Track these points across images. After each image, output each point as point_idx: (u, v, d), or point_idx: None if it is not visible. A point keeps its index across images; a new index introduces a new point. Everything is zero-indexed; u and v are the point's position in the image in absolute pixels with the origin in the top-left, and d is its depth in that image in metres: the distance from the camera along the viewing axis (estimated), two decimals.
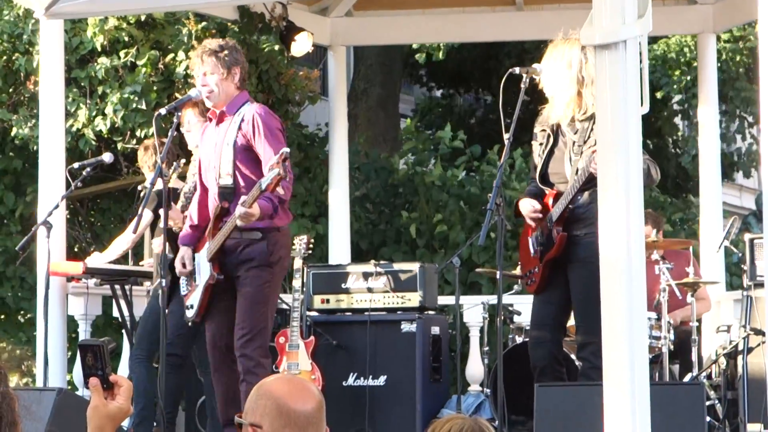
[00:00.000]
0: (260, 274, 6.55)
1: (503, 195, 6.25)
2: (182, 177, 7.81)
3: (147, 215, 7.49)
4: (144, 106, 10.10)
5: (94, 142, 10.26)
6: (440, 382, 8.28)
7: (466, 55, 17.83)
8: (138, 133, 10.17)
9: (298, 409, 3.09)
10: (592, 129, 6.29)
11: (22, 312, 11.84)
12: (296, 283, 7.85)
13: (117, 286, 8.22)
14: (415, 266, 8.24)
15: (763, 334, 7.29)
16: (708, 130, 10.02)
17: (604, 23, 4.94)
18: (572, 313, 6.68)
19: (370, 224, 12.64)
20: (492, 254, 11.64)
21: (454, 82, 19.25)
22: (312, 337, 7.96)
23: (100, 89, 10.28)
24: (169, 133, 7.04)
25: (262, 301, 6.57)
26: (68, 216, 9.49)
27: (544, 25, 9.63)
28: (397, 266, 8.35)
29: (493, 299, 8.58)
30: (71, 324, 8.71)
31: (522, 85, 6.40)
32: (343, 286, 8.29)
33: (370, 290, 8.21)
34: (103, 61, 10.23)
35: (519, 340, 8.20)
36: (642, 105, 4.98)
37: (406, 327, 8.03)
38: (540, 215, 6.53)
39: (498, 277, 6.29)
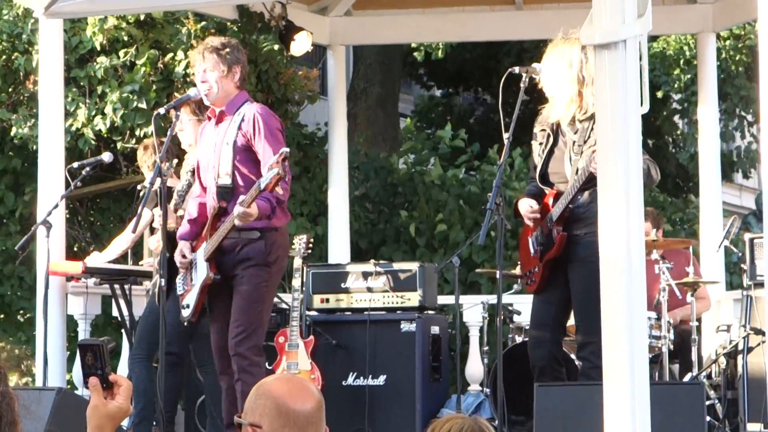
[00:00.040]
0: (257, 273, 6.55)
1: (503, 194, 6.25)
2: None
3: (146, 215, 7.49)
4: (143, 105, 10.10)
5: (93, 142, 10.26)
6: (440, 381, 8.27)
7: (467, 55, 17.84)
8: (137, 133, 10.16)
9: (297, 409, 3.09)
10: (592, 129, 6.29)
11: (21, 311, 11.83)
12: (296, 282, 7.85)
13: (116, 286, 8.22)
14: (414, 266, 8.24)
15: (763, 333, 7.29)
16: (708, 130, 10.03)
17: (604, 23, 4.93)
18: (572, 313, 6.67)
19: (369, 224, 12.64)
20: (491, 254, 11.64)
21: (453, 82, 19.26)
22: (311, 337, 7.95)
23: (99, 89, 10.28)
24: (168, 133, 7.05)
25: (259, 300, 6.57)
26: (68, 215, 9.49)
27: (543, 25, 9.63)
28: (396, 266, 8.34)
29: (492, 299, 8.58)
30: (71, 323, 8.71)
31: (521, 85, 6.40)
32: (342, 285, 8.29)
33: (369, 290, 8.21)
34: (103, 60, 10.23)
35: (519, 339, 8.20)
36: (642, 105, 4.97)
37: (405, 326, 8.03)
38: (538, 215, 6.52)
39: (498, 276, 6.29)
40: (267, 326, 6.73)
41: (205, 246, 6.67)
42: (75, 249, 11.09)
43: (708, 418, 6.82)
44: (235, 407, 6.57)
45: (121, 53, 10.24)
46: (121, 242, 8.14)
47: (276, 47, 10.48)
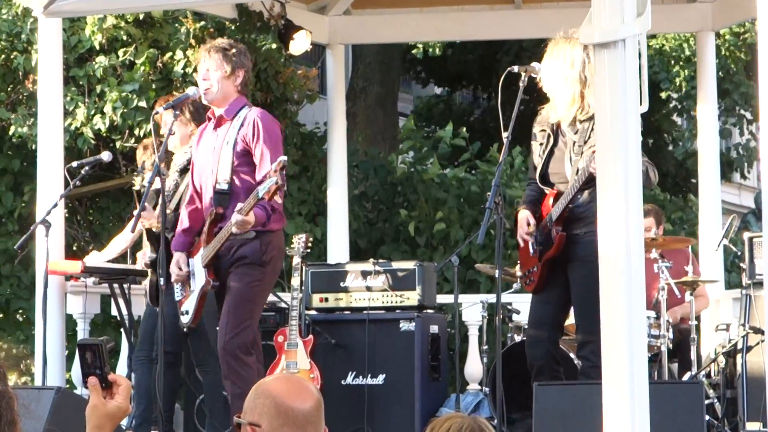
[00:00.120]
0: (250, 272, 6.55)
1: (502, 194, 6.25)
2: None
3: (153, 213, 7.49)
4: (143, 105, 10.10)
5: (92, 141, 10.26)
6: (439, 380, 8.27)
7: (469, 56, 17.85)
8: (136, 132, 10.16)
9: (296, 408, 3.09)
10: (592, 129, 6.28)
11: (20, 311, 11.83)
12: (295, 281, 7.85)
13: (115, 285, 8.21)
14: (413, 265, 8.24)
15: (762, 332, 7.28)
16: (707, 129, 10.03)
17: (603, 22, 4.93)
18: (572, 312, 6.68)
19: (368, 223, 12.64)
20: (491, 253, 11.64)
21: (452, 81, 19.27)
22: (311, 336, 7.95)
23: (98, 88, 10.29)
24: (168, 132, 7.05)
25: (250, 299, 6.56)
26: (67, 215, 9.50)
27: (542, 24, 9.63)
28: (395, 265, 8.34)
29: (491, 298, 8.58)
30: (70, 323, 8.71)
31: (520, 84, 6.40)
32: (341, 284, 8.28)
33: (368, 289, 8.20)
34: (102, 59, 10.24)
35: (518, 338, 8.20)
36: (641, 104, 4.97)
37: (404, 326, 8.03)
38: (529, 238, 6.53)
39: (497, 275, 6.29)
40: (257, 326, 6.72)
41: (202, 252, 6.67)
42: (74, 248, 11.09)
43: (707, 417, 6.82)
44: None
45: (120, 52, 10.25)
46: (120, 241, 8.15)
47: (275, 46, 10.48)
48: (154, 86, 10.17)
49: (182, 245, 6.80)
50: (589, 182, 6.15)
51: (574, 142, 6.45)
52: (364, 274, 8.24)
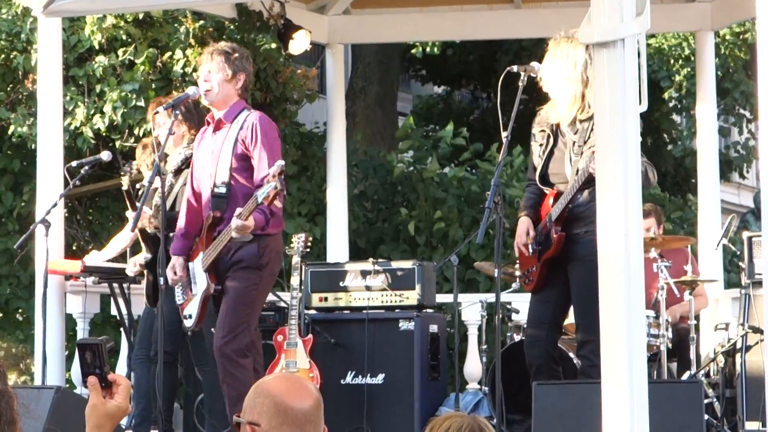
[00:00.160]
0: (248, 276, 6.56)
1: (501, 193, 6.25)
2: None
3: (146, 213, 7.49)
4: (142, 104, 10.10)
5: (92, 141, 10.26)
6: (438, 380, 8.27)
7: (467, 55, 17.85)
8: (136, 132, 10.16)
9: (295, 407, 3.09)
10: (592, 129, 6.28)
11: (19, 310, 11.84)
12: (294, 281, 7.85)
13: (115, 285, 8.21)
14: (413, 264, 8.24)
15: (761, 332, 7.28)
16: (706, 128, 10.03)
17: (603, 21, 4.94)
18: (571, 312, 6.68)
19: (367, 222, 12.64)
20: (490, 252, 11.64)
21: (452, 80, 19.27)
22: (310, 336, 7.95)
23: (98, 87, 10.29)
24: (167, 132, 7.05)
25: (247, 302, 6.57)
26: (66, 214, 9.50)
27: (542, 23, 9.63)
28: (395, 264, 8.34)
29: (491, 297, 8.58)
30: (69, 322, 8.71)
31: (520, 83, 6.40)
32: (341, 284, 8.28)
33: (368, 288, 8.20)
34: (101, 59, 10.24)
35: (517, 338, 8.20)
36: (640, 103, 4.97)
37: (404, 325, 8.03)
38: (525, 251, 6.53)
39: (496, 274, 6.29)
40: (253, 329, 6.72)
41: (202, 256, 6.67)
42: (74, 248, 11.09)
43: (706, 417, 6.82)
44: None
45: (120, 52, 10.25)
46: (120, 241, 8.14)
47: (274, 46, 10.48)
48: (153, 86, 10.17)
49: (181, 249, 6.80)
50: (589, 182, 6.15)
51: (574, 143, 6.45)
52: (364, 274, 8.24)
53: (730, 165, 18.31)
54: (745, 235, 7.70)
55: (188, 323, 6.80)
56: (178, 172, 7.33)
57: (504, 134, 6.28)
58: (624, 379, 4.82)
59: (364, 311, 8.12)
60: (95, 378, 2.99)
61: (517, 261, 7.15)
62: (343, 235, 10.30)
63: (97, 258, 8.16)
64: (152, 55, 10.20)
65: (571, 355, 7.42)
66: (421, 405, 7.98)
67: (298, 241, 7.98)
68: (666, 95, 17.11)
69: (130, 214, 7.47)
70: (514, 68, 6.45)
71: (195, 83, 7.07)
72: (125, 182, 7.37)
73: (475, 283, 11.90)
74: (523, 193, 7.22)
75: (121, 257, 8.37)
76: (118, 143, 10.36)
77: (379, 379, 8.03)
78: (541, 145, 6.60)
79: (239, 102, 6.75)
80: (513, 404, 7.31)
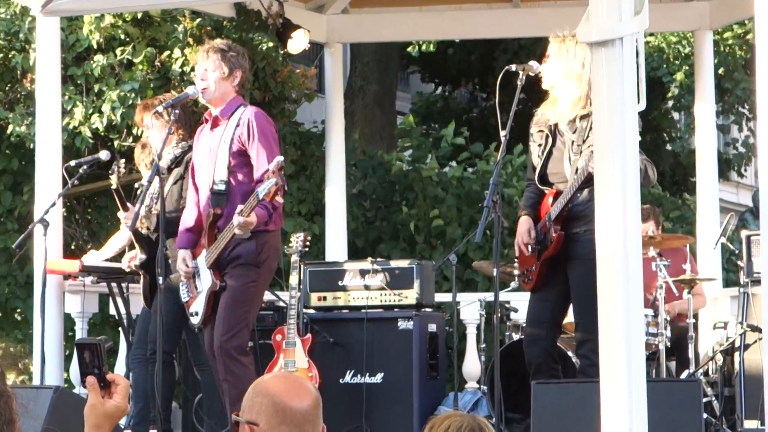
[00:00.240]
0: (246, 273, 6.56)
1: (500, 192, 6.25)
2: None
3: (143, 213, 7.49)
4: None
5: (90, 140, 10.25)
6: (437, 379, 8.27)
7: (467, 55, 17.85)
8: (134, 131, 10.15)
9: (294, 407, 3.09)
10: (591, 128, 6.27)
11: (18, 310, 11.83)
12: (293, 280, 7.85)
13: (113, 284, 8.21)
14: (411, 263, 8.24)
15: (759, 330, 7.28)
16: (704, 127, 10.03)
17: (601, 20, 4.94)
18: (570, 311, 6.68)
19: (366, 222, 12.63)
20: (488, 251, 11.64)
21: (452, 80, 19.26)
22: (309, 335, 7.95)
23: (96, 87, 10.28)
24: (167, 131, 7.05)
25: (246, 299, 6.58)
26: (65, 214, 9.49)
27: (540, 22, 9.63)
28: (393, 263, 8.34)
29: (489, 296, 8.58)
30: (68, 322, 8.70)
31: (518, 82, 6.39)
32: (339, 283, 8.28)
33: (366, 287, 8.20)
34: (99, 58, 10.23)
35: (516, 337, 8.21)
36: (639, 102, 4.97)
37: (402, 324, 8.03)
38: (526, 251, 6.53)
39: (495, 274, 6.29)
40: (252, 326, 6.74)
41: (205, 254, 6.68)
42: (72, 247, 11.09)
43: (705, 416, 6.83)
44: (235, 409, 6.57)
45: (118, 51, 10.24)
46: (118, 240, 8.14)
47: (273, 45, 10.47)
48: (152, 85, 10.16)
49: (187, 242, 6.82)
50: (588, 181, 6.14)
51: (573, 142, 6.45)
52: (363, 273, 8.24)
53: (729, 163, 18.30)
54: (744, 233, 7.70)
55: (195, 320, 6.81)
56: (168, 172, 7.34)
57: (503, 133, 6.27)
58: (623, 378, 4.82)
59: (363, 310, 8.12)
60: (94, 378, 2.99)
61: (516, 260, 7.15)
62: (342, 234, 10.30)
63: (95, 257, 8.15)
64: (150, 54, 10.19)
65: (570, 354, 7.42)
66: (420, 404, 7.98)
67: (297, 240, 7.98)
68: (669, 93, 17.11)
69: (121, 214, 7.47)
70: (513, 67, 6.45)
71: (193, 82, 7.07)
72: (114, 181, 7.37)
73: (474, 282, 11.90)
74: (521, 193, 7.21)
75: (120, 257, 8.37)
76: (116, 143, 10.35)
77: (378, 378, 8.03)
78: (539, 145, 6.59)
79: (236, 98, 6.76)
80: (512, 403, 7.31)
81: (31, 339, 8.72)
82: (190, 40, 10.19)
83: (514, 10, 10.29)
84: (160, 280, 6.58)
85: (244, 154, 6.60)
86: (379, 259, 8.55)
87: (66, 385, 8.73)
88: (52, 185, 8.08)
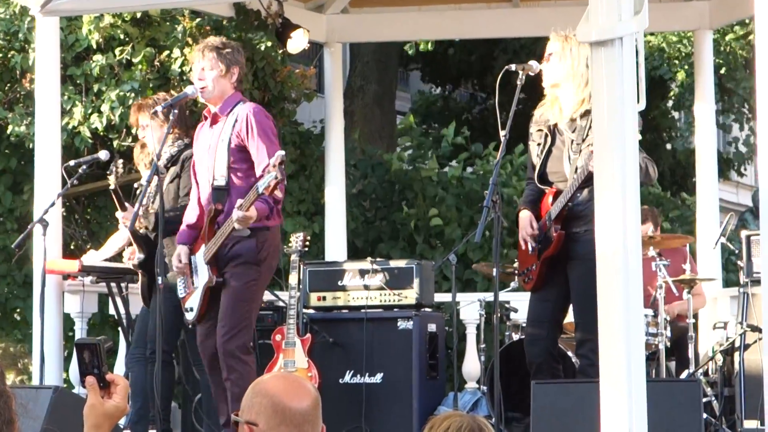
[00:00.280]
0: (247, 272, 6.56)
1: (500, 192, 6.24)
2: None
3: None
4: None
5: (89, 140, 10.25)
6: (437, 379, 8.27)
7: (467, 54, 17.85)
8: (134, 131, 10.14)
9: (293, 407, 3.09)
10: (590, 126, 6.26)
11: (17, 310, 11.83)
12: (293, 280, 7.85)
13: (113, 284, 8.21)
14: (411, 263, 8.23)
15: (759, 330, 7.28)
16: (704, 127, 10.03)
17: (601, 20, 4.93)
18: (570, 310, 6.67)
19: (366, 222, 12.63)
20: (487, 251, 11.64)
21: (452, 79, 19.27)
22: (308, 335, 7.95)
23: (95, 87, 10.27)
24: (165, 130, 7.05)
25: (248, 298, 6.57)
26: (64, 214, 9.48)
27: (540, 22, 9.61)
28: (393, 263, 8.34)
29: (489, 296, 8.58)
30: (67, 322, 8.70)
31: (518, 82, 6.38)
32: (339, 283, 8.28)
33: (366, 287, 8.20)
34: (99, 58, 10.22)
35: (515, 337, 8.20)
36: (638, 102, 4.97)
37: (402, 324, 8.02)
38: (532, 242, 6.52)
39: (494, 274, 6.29)
40: (254, 325, 6.74)
41: (203, 249, 6.68)
42: (72, 247, 11.08)
43: (705, 415, 6.83)
44: (227, 405, 6.59)
45: (117, 51, 10.23)
46: (118, 240, 8.14)
47: (272, 45, 10.47)
48: (151, 85, 10.16)
49: (187, 238, 6.81)
50: (589, 180, 6.13)
51: (572, 140, 6.44)
52: (362, 273, 8.23)
53: (729, 163, 18.30)
54: (744, 233, 7.70)
55: (189, 316, 6.81)
56: (164, 170, 7.35)
57: (502, 133, 6.27)
58: (622, 378, 4.82)
59: (363, 310, 8.12)
60: (93, 378, 2.99)
61: (516, 260, 7.15)
62: (342, 234, 10.30)
63: (94, 257, 8.15)
64: (150, 54, 10.19)
65: (570, 353, 7.42)
66: (420, 404, 7.98)
67: (297, 240, 7.98)
68: (672, 93, 17.12)
69: (119, 214, 7.47)
70: (513, 67, 6.44)
71: (192, 82, 7.07)
72: (112, 182, 7.37)
73: (473, 282, 11.90)
74: (521, 193, 7.20)
75: (119, 256, 8.37)
76: (115, 142, 10.34)
77: (378, 378, 8.03)
78: (538, 144, 6.59)
79: (234, 95, 6.76)
80: (511, 403, 7.31)
81: (30, 339, 8.71)
82: (190, 39, 10.18)
83: (514, 10, 10.29)
84: (159, 280, 6.58)
85: (244, 150, 6.60)
86: (378, 259, 8.54)
87: (65, 385, 8.72)
88: (51, 185, 8.08)
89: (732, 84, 16.67)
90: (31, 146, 9.86)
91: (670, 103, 17.95)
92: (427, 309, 8.29)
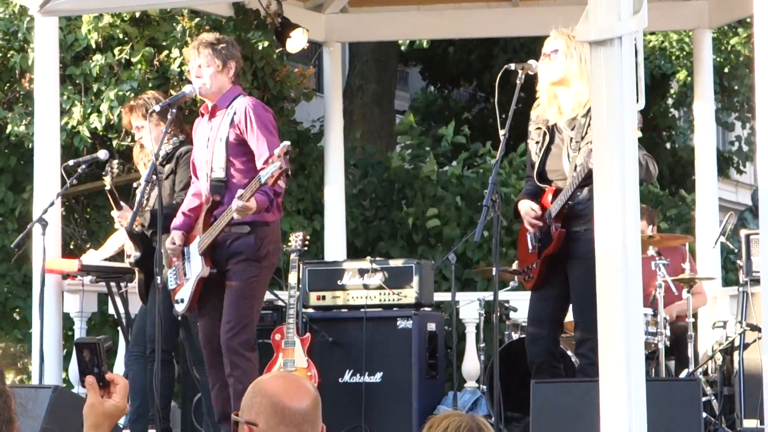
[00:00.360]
0: (248, 269, 6.56)
1: (499, 191, 6.24)
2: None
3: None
4: None
5: (89, 140, 10.25)
6: (436, 378, 8.27)
7: (467, 54, 17.86)
8: (133, 131, 10.14)
9: (293, 407, 3.09)
10: (589, 124, 6.26)
11: (17, 310, 11.83)
12: (292, 279, 7.85)
13: (112, 284, 8.20)
14: (410, 263, 8.23)
15: (759, 329, 7.28)
16: (704, 126, 10.03)
17: (600, 19, 4.93)
18: (570, 310, 6.67)
19: (365, 221, 12.63)
20: (487, 251, 11.64)
21: (452, 79, 19.27)
22: (308, 334, 7.95)
23: (94, 86, 10.27)
24: (164, 130, 7.04)
25: (249, 295, 6.57)
26: (63, 213, 9.48)
27: (539, 21, 9.60)
28: (392, 263, 8.34)
29: (489, 296, 8.58)
30: (67, 321, 8.70)
31: (518, 81, 6.38)
32: (339, 282, 8.28)
33: (365, 287, 8.20)
34: (98, 58, 10.22)
35: (515, 336, 8.20)
36: (638, 101, 4.97)
37: (402, 323, 8.02)
38: (539, 223, 6.48)
39: (494, 273, 6.28)
40: (257, 321, 6.75)
41: (198, 240, 6.67)
42: (71, 247, 11.08)
43: (704, 415, 6.83)
44: (226, 401, 6.59)
45: (116, 51, 10.24)
46: (117, 239, 8.13)
47: (271, 44, 10.47)
48: (150, 85, 10.16)
49: (181, 225, 6.80)
50: (588, 178, 6.13)
51: (572, 138, 6.44)
52: (362, 272, 8.24)
53: (729, 161, 18.31)
54: (743, 232, 7.70)
55: (179, 308, 6.79)
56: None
57: (502, 132, 6.26)
58: (622, 377, 4.82)
59: (362, 310, 8.12)
60: (93, 377, 2.99)
61: (516, 259, 7.15)
62: (341, 233, 10.30)
63: (94, 257, 8.15)
64: (149, 54, 10.19)
65: (570, 353, 7.42)
66: (419, 403, 7.98)
67: (296, 239, 7.98)
68: (672, 92, 17.12)
69: (115, 213, 7.47)
70: (512, 66, 6.43)
71: (191, 81, 7.07)
72: (107, 182, 7.37)
73: (473, 282, 11.90)
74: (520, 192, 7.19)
75: (119, 256, 8.37)
76: (115, 142, 10.35)
77: (377, 377, 8.03)
78: (537, 142, 6.58)
79: (233, 88, 6.76)
80: (511, 402, 7.31)
81: (30, 338, 8.72)
82: (189, 39, 10.17)
83: (513, 9, 10.29)
84: (158, 279, 6.58)
85: (242, 144, 6.60)
86: (378, 259, 8.54)
87: (65, 385, 8.72)
88: (50, 185, 8.08)
89: (735, 82, 16.67)
90: (30, 146, 9.86)
91: (670, 102, 17.96)
92: (427, 308, 8.30)
